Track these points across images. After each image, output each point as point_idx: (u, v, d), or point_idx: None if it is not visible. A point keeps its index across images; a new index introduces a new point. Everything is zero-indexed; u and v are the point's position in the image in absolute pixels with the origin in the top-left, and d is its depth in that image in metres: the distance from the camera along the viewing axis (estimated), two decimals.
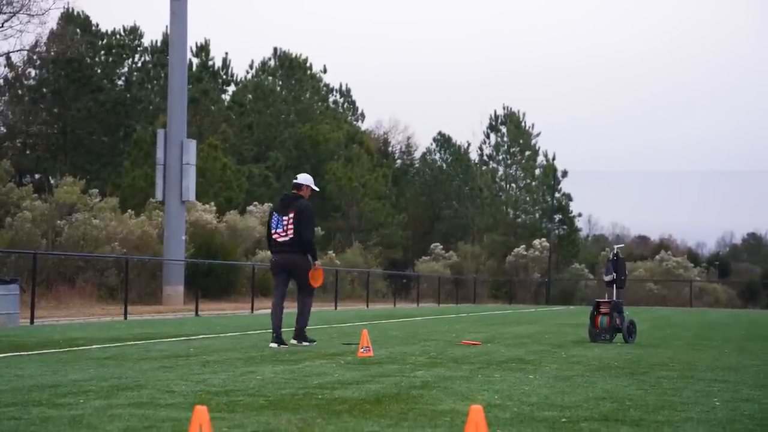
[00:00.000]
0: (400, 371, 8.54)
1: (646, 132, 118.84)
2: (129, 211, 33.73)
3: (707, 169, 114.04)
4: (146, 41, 53.31)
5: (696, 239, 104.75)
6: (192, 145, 31.77)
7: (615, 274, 13.63)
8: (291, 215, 11.64)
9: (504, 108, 61.21)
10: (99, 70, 50.89)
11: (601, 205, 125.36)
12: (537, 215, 59.29)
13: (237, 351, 10.88)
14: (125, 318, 21.00)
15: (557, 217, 56.68)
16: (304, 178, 12.13)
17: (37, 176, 48.45)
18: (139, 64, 53.23)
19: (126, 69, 53.04)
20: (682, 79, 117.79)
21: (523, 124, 60.15)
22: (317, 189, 12.54)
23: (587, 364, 9.58)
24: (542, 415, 5.79)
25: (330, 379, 7.79)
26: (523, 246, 52.84)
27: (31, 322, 18.05)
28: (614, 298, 13.50)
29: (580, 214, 59.81)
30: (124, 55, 52.79)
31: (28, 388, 6.93)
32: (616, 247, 14.01)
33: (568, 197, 58.11)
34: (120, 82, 52.35)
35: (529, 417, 5.73)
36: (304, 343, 11.85)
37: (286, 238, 11.68)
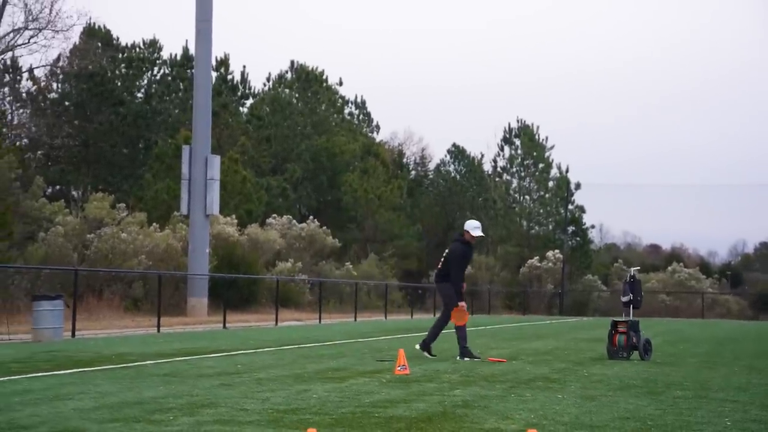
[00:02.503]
0: (439, 390, 9.40)
1: (657, 142, 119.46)
2: (154, 224, 34.72)
3: (720, 181, 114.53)
4: (165, 54, 54.39)
5: (708, 248, 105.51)
6: (216, 161, 32.76)
7: (631, 295, 14.48)
8: (445, 253, 14.04)
9: (518, 121, 62.26)
10: (119, 83, 52.00)
11: (613, 214, 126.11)
12: (550, 227, 60.17)
13: (281, 368, 11.74)
14: (158, 330, 21.94)
15: (570, 228, 57.54)
16: (466, 224, 14.10)
17: (57, 187, 49.52)
18: (158, 77, 54.31)
19: (146, 82, 54.13)
20: (695, 89, 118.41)
21: (536, 137, 61.11)
22: (479, 235, 13.92)
23: (608, 383, 10.42)
24: None
25: (379, 397, 8.66)
26: (537, 257, 53.69)
27: (73, 335, 19.01)
28: (631, 318, 14.35)
29: (593, 226, 60.77)
30: (144, 68, 53.88)
31: (117, 405, 7.83)
32: (632, 269, 14.85)
33: (581, 209, 59.02)
34: (140, 95, 53.44)
35: None
36: (465, 359, 13.55)
37: (438, 269, 14.19)
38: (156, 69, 54.55)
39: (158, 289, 24.07)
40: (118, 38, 53.07)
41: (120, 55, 52.61)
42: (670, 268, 55.96)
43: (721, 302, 56.30)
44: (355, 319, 32.51)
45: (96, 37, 50.65)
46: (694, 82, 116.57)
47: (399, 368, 11.27)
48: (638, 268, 15.79)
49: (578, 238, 58.10)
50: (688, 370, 12.59)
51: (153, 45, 54.47)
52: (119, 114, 49.70)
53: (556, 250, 54.09)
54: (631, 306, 14.46)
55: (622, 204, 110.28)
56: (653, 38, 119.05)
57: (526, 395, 9.05)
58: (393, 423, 7.02)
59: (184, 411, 7.52)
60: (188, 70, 53.39)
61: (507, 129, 62.38)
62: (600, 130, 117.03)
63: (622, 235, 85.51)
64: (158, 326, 22.35)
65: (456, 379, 10.57)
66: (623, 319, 14.36)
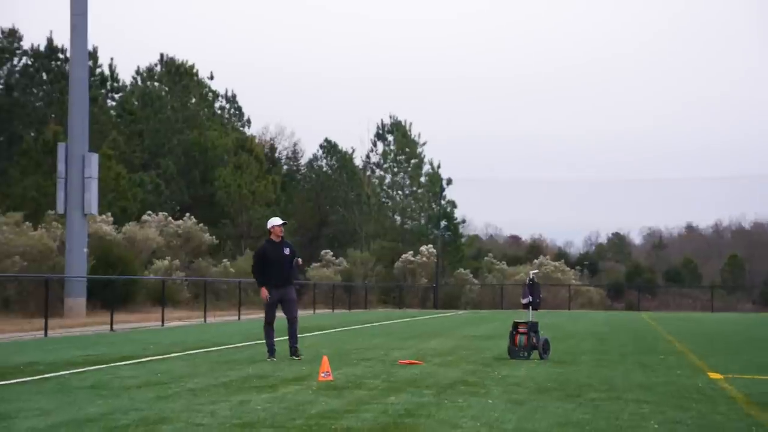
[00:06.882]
0: (374, 398, 9.76)
1: (515, 137, 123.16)
2: (26, 223, 33.73)
3: (576, 175, 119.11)
4: (26, 44, 52.47)
5: (564, 238, 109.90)
6: (94, 159, 32.15)
7: (530, 297, 15.21)
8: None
9: (391, 117, 63.18)
10: None
11: (475, 207, 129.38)
12: (423, 221, 61.32)
13: (204, 377, 11.83)
14: (45, 335, 21.47)
15: (443, 223, 58.87)
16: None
17: None
18: (19, 68, 52.38)
19: (5, 73, 52.16)
20: (553, 82, 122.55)
21: (409, 133, 62.21)
22: (272, 225, 14.57)
23: (526, 386, 11.02)
24: None
25: (322, 408, 8.95)
26: (411, 252, 54.67)
27: None
28: (530, 319, 15.08)
29: (464, 221, 62.24)
30: (4, 59, 51.91)
31: (70, 423, 7.84)
32: (532, 272, 15.59)
33: (453, 204, 60.44)
34: None
35: None
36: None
37: None
38: (16, 60, 52.59)
39: (45, 292, 23.51)
40: None
41: None
42: (536, 261, 57.98)
43: (583, 293, 58.89)
44: (239, 318, 32.49)
45: None
46: (550, 75, 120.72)
47: (323, 375, 11.57)
48: (537, 271, 16.55)
49: (450, 233, 59.45)
50: (588, 369, 13.37)
51: (12, 34, 52.51)
52: None
53: (430, 245, 55.25)
54: (531, 307, 15.18)
55: (484, 197, 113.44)
56: (515, 36, 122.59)
57: (459, 401, 9.52)
58: None
59: (142, 428, 7.64)
60: (52, 62, 51.83)
61: (380, 125, 63.28)
62: (468, 128, 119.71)
63: (483, 227, 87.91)
64: (45, 330, 21.89)
65: (381, 385, 10.95)
66: (523, 321, 15.08)
